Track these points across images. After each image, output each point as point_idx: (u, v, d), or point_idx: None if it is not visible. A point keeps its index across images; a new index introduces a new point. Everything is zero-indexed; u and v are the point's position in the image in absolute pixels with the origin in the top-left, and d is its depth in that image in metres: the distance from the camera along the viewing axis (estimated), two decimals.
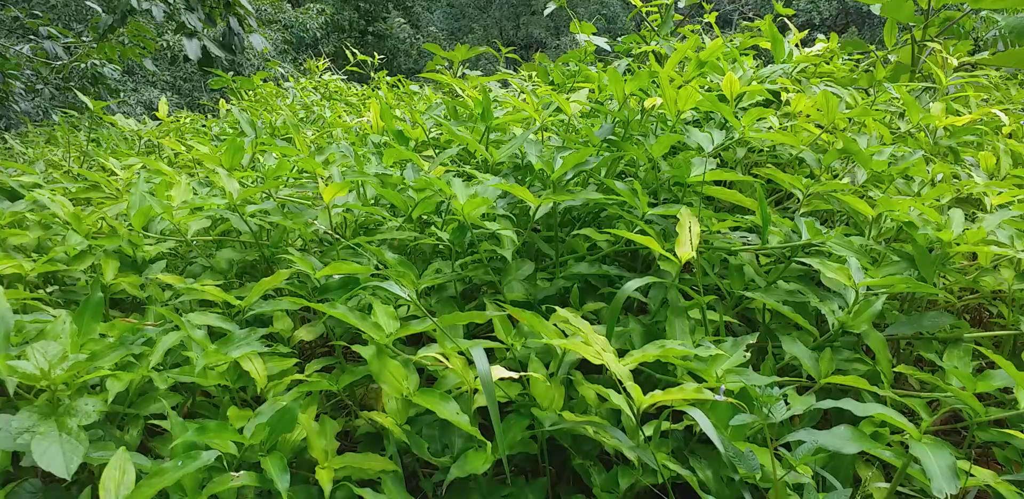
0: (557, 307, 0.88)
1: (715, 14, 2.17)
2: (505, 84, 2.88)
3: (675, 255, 0.96)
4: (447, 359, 0.86)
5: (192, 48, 3.59)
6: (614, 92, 1.30)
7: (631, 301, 1.12)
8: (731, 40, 1.97)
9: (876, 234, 1.18)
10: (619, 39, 2.45)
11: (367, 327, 0.86)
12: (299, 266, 1.02)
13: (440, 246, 1.24)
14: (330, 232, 1.09)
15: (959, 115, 1.59)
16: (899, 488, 0.84)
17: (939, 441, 0.73)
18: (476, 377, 0.82)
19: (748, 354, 0.88)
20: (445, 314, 0.94)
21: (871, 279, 0.97)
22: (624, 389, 0.77)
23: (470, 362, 0.86)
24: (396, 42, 17.13)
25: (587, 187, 1.24)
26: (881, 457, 0.77)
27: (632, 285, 0.92)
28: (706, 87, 1.55)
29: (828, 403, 0.76)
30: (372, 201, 1.27)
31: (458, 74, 2.20)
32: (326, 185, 1.10)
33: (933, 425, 0.99)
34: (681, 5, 2.38)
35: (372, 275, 1.00)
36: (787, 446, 0.89)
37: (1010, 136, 1.56)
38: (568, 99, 1.49)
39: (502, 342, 0.93)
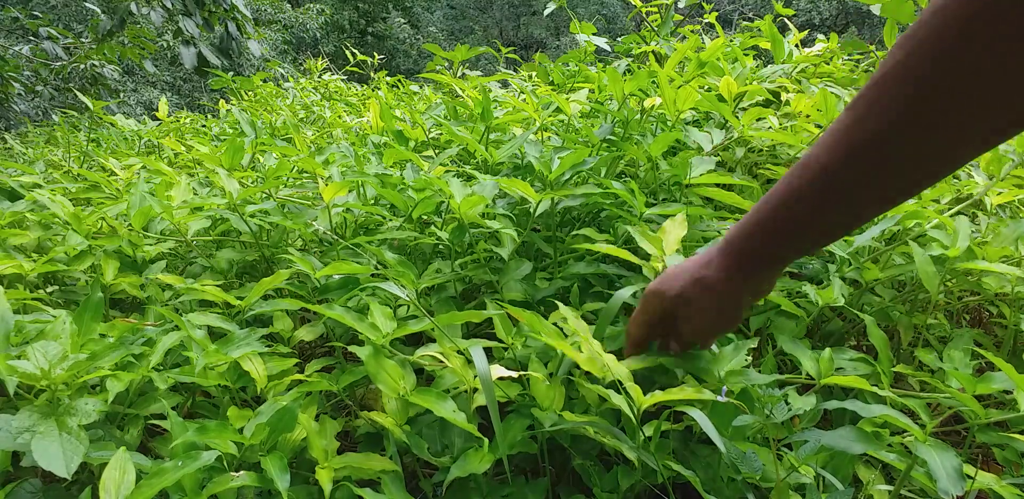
0: (559, 302, 0.89)
1: (715, 14, 2.17)
2: (505, 84, 2.89)
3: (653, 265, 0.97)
4: (446, 359, 0.85)
5: (188, 56, 3.58)
6: (614, 92, 1.30)
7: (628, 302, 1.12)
8: (731, 40, 1.97)
9: (879, 235, 1.18)
10: (619, 39, 2.45)
11: (363, 328, 0.86)
12: (299, 266, 1.02)
13: (440, 246, 1.24)
14: (329, 232, 1.09)
15: None
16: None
17: (943, 443, 0.73)
18: (475, 376, 0.82)
19: (749, 358, 0.88)
20: (444, 314, 0.94)
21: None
22: (624, 390, 0.77)
23: (469, 361, 0.86)
24: (396, 42, 17.14)
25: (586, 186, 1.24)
26: (884, 459, 0.77)
27: (626, 293, 0.93)
28: (706, 87, 1.55)
29: (833, 404, 0.76)
30: (372, 201, 1.27)
31: (458, 74, 2.21)
32: (326, 185, 1.10)
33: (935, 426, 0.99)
34: (681, 5, 2.38)
35: (372, 275, 1.00)
36: (787, 445, 0.89)
37: None
38: (568, 99, 1.49)
39: (501, 341, 0.93)
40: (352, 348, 0.86)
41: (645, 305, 0.80)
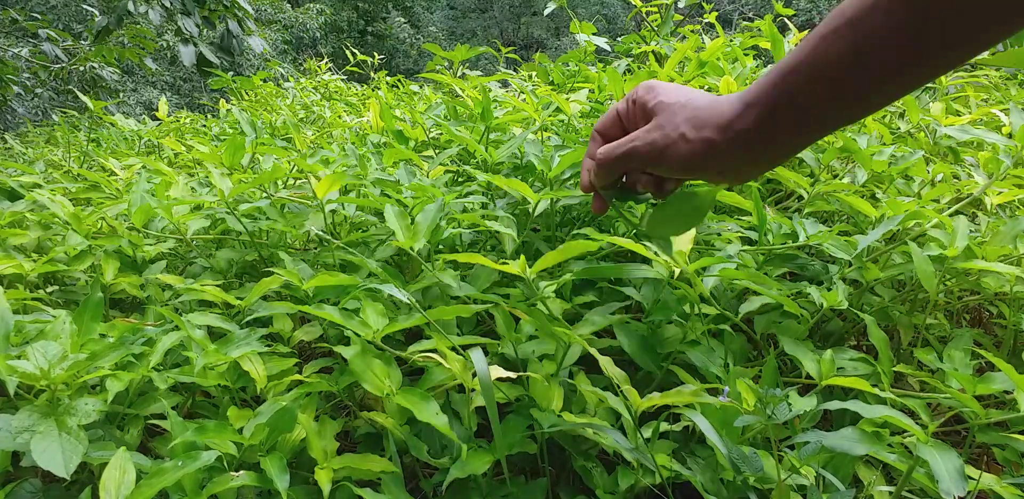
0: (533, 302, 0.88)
1: (715, 14, 2.17)
2: (505, 84, 2.88)
3: (665, 260, 0.96)
4: (444, 359, 0.85)
5: (188, 54, 3.57)
6: (614, 92, 1.30)
7: (631, 301, 1.12)
8: (731, 40, 1.97)
9: (880, 235, 1.18)
10: (619, 39, 2.45)
11: (353, 325, 0.86)
12: (293, 268, 1.01)
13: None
14: (323, 233, 1.08)
15: (959, 115, 1.59)
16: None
17: (944, 443, 0.73)
18: (474, 377, 0.82)
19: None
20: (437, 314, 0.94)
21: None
22: (621, 392, 0.77)
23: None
24: (395, 42, 17.14)
25: None
26: (885, 460, 0.77)
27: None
28: (706, 87, 1.55)
29: (835, 404, 0.76)
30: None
31: (458, 74, 2.20)
32: (318, 180, 1.07)
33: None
34: (681, 5, 2.38)
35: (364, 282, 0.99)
36: (789, 446, 0.89)
37: (1010, 136, 1.56)
38: (568, 99, 1.49)
39: (499, 341, 0.93)
40: (337, 348, 0.85)
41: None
